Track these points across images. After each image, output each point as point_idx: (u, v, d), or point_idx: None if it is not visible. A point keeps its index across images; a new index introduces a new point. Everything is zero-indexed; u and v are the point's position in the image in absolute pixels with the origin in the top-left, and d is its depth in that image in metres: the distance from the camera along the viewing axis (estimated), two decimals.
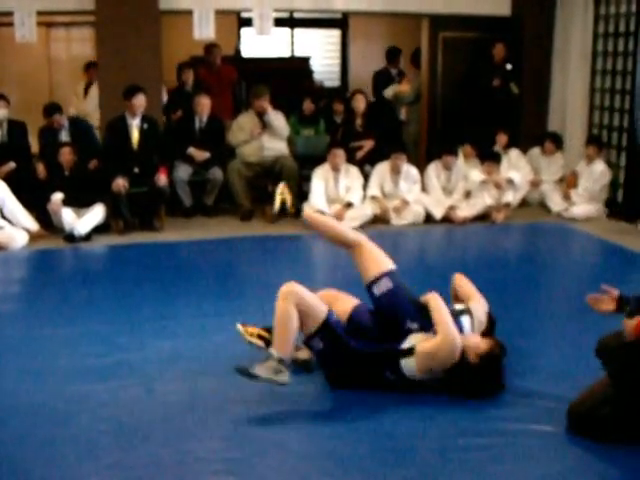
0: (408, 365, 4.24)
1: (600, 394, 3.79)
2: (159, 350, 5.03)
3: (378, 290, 4.53)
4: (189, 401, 4.31)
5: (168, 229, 8.48)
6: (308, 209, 8.56)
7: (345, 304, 4.66)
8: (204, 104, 9.10)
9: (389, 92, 10.93)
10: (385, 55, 11.34)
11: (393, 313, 4.51)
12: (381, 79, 11.19)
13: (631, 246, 7.82)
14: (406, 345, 4.31)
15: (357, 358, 4.33)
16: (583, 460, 3.71)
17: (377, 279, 4.54)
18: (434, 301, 4.45)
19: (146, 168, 8.44)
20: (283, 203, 4.33)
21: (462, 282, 4.94)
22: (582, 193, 9.32)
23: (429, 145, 10.46)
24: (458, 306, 4.71)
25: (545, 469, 3.63)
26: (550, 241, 8.48)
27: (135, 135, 8.45)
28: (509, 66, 10.14)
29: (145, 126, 8.47)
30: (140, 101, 8.35)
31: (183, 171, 8.96)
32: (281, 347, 4.24)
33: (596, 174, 9.28)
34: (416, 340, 4.33)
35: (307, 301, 4.26)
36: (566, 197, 9.42)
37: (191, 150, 9.00)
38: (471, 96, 10.14)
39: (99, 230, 8.21)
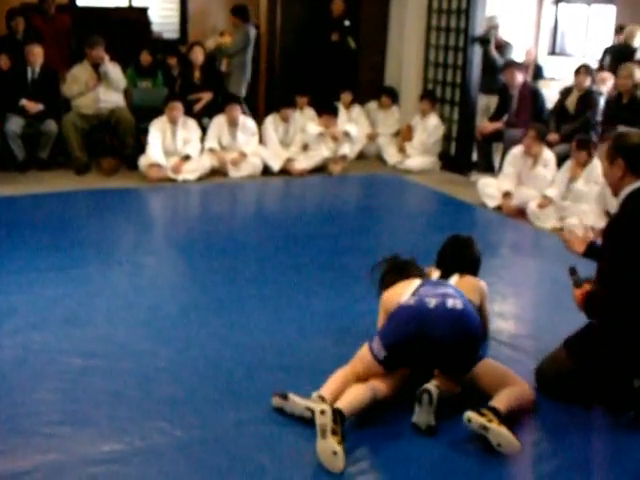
0: None
1: (564, 366, 3.95)
2: None
3: None
4: (22, 355, 4.26)
5: (0, 184, 8.20)
6: (145, 161, 8.50)
7: None
8: (37, 54, 8.77)
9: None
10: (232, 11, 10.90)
11: None
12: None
13: (462, 196, 8.16)
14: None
15: None
16: None
17: None
18: None
19: None
20: None
21: None
22: (416, 146, 9.59)
23: (267, 98, 10.46)
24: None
25: None
26: (385, 192, 8.70)
27: None
28: (347, 22, 10.27)
29: None
30: None
31: (15, 123, 8.64)
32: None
33: (430, 128, 9.56)
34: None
35: None
36: (401, 150, 9.67)
37: (23, 102, 8.69)
38: (310, 50, 10.22)
39: None
